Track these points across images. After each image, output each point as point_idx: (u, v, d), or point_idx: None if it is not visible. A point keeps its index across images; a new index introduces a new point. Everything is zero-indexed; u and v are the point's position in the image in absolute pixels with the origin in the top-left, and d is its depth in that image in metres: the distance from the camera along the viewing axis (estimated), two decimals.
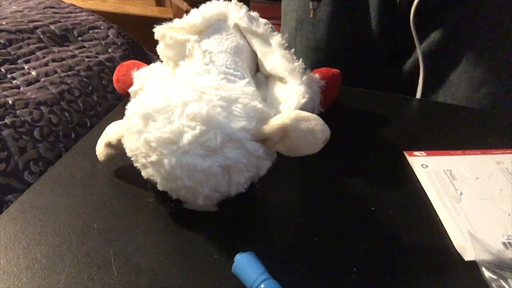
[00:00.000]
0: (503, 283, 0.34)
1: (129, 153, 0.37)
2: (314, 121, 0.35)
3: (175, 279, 0.34)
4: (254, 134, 0.34)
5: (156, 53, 0.48)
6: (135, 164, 0.37)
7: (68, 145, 0.75)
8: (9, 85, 0.78)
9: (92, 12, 1.14)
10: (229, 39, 0.47)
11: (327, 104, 0.54)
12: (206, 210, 0.39)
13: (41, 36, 0.94)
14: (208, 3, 0.51)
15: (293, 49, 0.49)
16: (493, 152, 0.49)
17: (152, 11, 1.90)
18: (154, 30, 0.47)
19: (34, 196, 0.42)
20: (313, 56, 0.74)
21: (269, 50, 0.48)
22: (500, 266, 0.35)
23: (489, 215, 0.40)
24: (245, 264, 0.33)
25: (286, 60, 0.47)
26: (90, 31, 1.03)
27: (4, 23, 0.92)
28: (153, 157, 0.34)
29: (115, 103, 0.89)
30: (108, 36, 1.03)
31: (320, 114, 0.36)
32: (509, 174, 0.45)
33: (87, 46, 0.98)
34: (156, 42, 0.48)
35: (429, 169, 0.46)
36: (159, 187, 0.36)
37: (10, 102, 0.74)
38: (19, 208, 0.40)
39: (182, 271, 0.35)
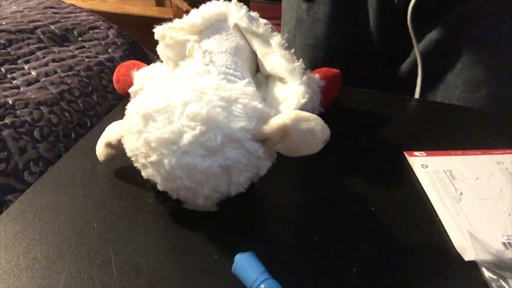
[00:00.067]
0: (503, 283, 0.34)
1: (129, 153, 0.37)
2: (314, 121, 0.35)
3: (175, 279, 0.34)
4: (254, 134, 0.34)
5: (156, 53, 0.48)
6: (135, 164, 0.37)
7: (68, 145, 0.76)
8: (9, 85, 0.78)
9: (92, 12, 1.14)
10: (229, 39, 0.47)
11: (327, 104, 0.54)
12: (206, 210, 0.39)
13: (41, 36, 0.94)
14: (208, 3, 0.51)
15: (293, 49, 0.49)
16: (493, 152, 0.49)
17: (152, 11, 1.90)
18: (154, 30, 0.47)
19: (34, 196, 0.42)
20: (312, 54, 0.74)
21: (269, 50, 0.48)
22: (500, 266, 0.35)
23: (489, 215, 0.40)
24: (245, 264, 0.33)
25: (286, 60, 0.47)
26: (90, 31, 1.03)
27: (4, 23, 0.93)
28: (153, 157, 0.34)
29: (115, 103, 0.89)
30: (108, 36, 1.03)
31: (320, 114, 0.36)
32: (509, 174, 0.45)
33: (87, 46, 0.98)
34: (156, 42, 0.48)
35: (429, 169, 0.46)
36: (159, 187, 0.36)
37: (10, 102, 0.74)
38: (19, 208, 0.40)
39: (182, 271, 0.35)
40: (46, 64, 0.87)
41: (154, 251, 0.37)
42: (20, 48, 0.89)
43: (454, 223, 0.39)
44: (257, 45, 0.49)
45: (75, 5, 1.15)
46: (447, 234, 0.39)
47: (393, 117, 0.56)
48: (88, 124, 0.82)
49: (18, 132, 0.70)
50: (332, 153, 0.44)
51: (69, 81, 0.84)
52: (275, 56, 0.47)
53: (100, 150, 0.43)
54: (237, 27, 0.50)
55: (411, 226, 0.40)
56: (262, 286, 0.31)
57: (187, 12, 0.50)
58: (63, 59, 0.90)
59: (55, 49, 0.93)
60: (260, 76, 0.51)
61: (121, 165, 0.45)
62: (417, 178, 0.45)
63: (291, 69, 0.46)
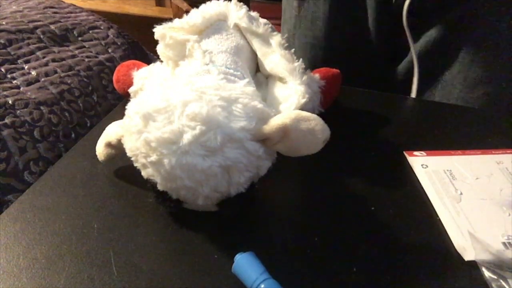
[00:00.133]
0: (503, 283, 0.34)
1: (129, 153, 0.37)
2: (314, 121, 0.35)
3: (175, 279, 0.34)
4: (254, 134, 0.34)
5: (156, 53, 0.48)
6: (135, 164, 0.37)
7: (68, 145, 0.76)
8: (9, 85, 0.78)
9: (92, 12, 1.14)
10: (229, 39, 0.47)
11: (327, 104, 0.54)
12: (206, 210, 0.38)
13: (41, 36, 0.94)
14: (208, 3, 0.51)
15: (293, 49, 0.49)
16: (493, 152, 0.48)
17: (152, 11, 1.90)
18: (154, 30, 0.47)
19: (34, 196, 0.42)
20: (312, 53, 0.74)
21: (269, 50, 0.48)
22: (500, 266, 0.35)
23: (489, 215, 0.40)
24: (245, 264, 0.33)
25: (286, 60, 0.47)
26: (90, 31, 1.03)
27: (4, 23, 0.93)
28: (153, 157, 0.34)
29: (115, 103, 0.89)
30: (108, 36, 1.03)
31: (320, 114, 0.36)
32: (509, 174, 0.45)
33: (87, 46, 0.98)
34: (156, 42, 0.48)
35: (429, 169, 0.46)
36: (159, 187, 0.36)
37: (10, 102, 0.74)
38: (19, 208, 0.40)
39: (182, 271, 0.35)
40: (46, 64, 0.87)
41: (154, 251, 0.37)
42: (20, 48, 0.89)
43: (454, 223, 0.39)
44: (257, 45, 0.49)
45: (75, 5, 1.15)
46: (447, 234, 0.39)
47: (393, 117, 0.56)
48: (88, 124, 0.82)
49: (18, 132, 0.70)
50: (332, 153, 0.44)
51: (69, 81, 0.84)
52: (275, 56, 0.47)
53: (100, 150, 0.43)
54: (237, 27, 0.50)
55: (411, 226, 0.40)
56: (262, 286, 0.31)
57: (187, 12, 0.50)
58: (63, 59, 0.90)
59: (55, 49, 0.93)
60: (260, 76, 0.51)
61: (121, 165, 0.45)
62: (417, 178, 0.45)
63: (291, 69, 0.46)
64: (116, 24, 1.11)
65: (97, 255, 0.36)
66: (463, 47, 0.63)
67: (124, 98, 0.55)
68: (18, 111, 0.73)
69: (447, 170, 0.46)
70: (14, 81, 0.80)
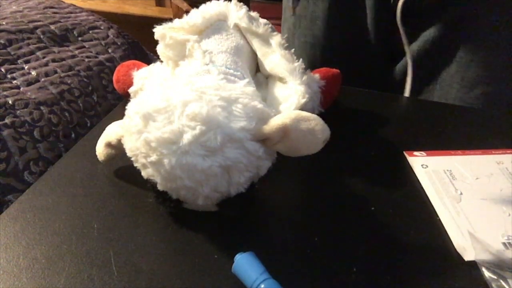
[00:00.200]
0: (503, 283, 0.34)
1: (129, 153, 0.37)
2: (314, 121, 0.35)
3: (175, 279, 0.34)
4: (254, 134, 0.34)
5: (156, 53, 0.48)
6: (135, 164, 0.37)
7: (68, 145, 0.76)
8: (9, 85, 0.78)
9: (92, 12, 1.14)
10: (229, 39, 0.47)
11: (327, 104, 0.54)
12: (206, 210, 0.39)
13: (41, 36, 0.94)
14: (208, 3, 0.51)
15: (293, 49, 0.49)
16: (493, 152, 0.48)
17: (152, 11, 1.90)
18: (154, 30, 0.47)
19: (34, 196, 0.42)
20: (311, 53, 0.74)
21: (269, 50, 0.48)
22: (500, 266, 0.35)
23: (489, 215, 0.40)
24: (245, 264, 0.33)
25: (286, 60, 0.47)
26: (90, 31, 1.03)
27: (4, 23, 0.93)
28: (153, 157, 0.34)
29: (115, 103, 0.89)
30: (108, 36, 1.03)
31: (320, 114, 0.36)
32: (509, 174, 0.45)
33: (87, 46, 0.98)
34: (156, 42, 0.48)
35: (429, 169, 0.46)
36: (159, 187, 0.36)
37: (10, 102, 0.74)
38: (19, 208, 0.40)
39: (182, 271, 0.35)
40: (46, 64, 0.87)
41: (154, 251, 0.37)
42: (20, 48, 0.89)
43: (454, 223, 0.39)
44: (257, 45, 0.49)
45: (75, 5, 1.15)
46: (447, 234, 0.39)
47: (393, 117, 0.56)
48: (88, 124, 0.82)
49: (18, 132, 0.70)
50: (332, 153, 0.44)
51: (69, 81, 0.84)
52: (275, 56, 0.47)
53: (100, 150, 0.43)
54: (237, 27, 0.50)
55: (411, 226, 0.40)
56: (262, 286, 0.31)
57: (187, 12, 0.50)
58: (63, 59, 0.90)
59: (55, 49, 0.93)
60: (260, 76, 0.51)
61: (121, 165, 0.45)
62: (417, 178, 0.45)
63: (291, 69, 0.46)
64: (116, 24, 1.11)
65: (97, 255, 0.36)
66: (462, 47, 0.63)
67: (124, 98, 0.55)
68: (18, 111, 0.73)
69: (447, 170, 0.46)
70: (14, 81, 0.80)
